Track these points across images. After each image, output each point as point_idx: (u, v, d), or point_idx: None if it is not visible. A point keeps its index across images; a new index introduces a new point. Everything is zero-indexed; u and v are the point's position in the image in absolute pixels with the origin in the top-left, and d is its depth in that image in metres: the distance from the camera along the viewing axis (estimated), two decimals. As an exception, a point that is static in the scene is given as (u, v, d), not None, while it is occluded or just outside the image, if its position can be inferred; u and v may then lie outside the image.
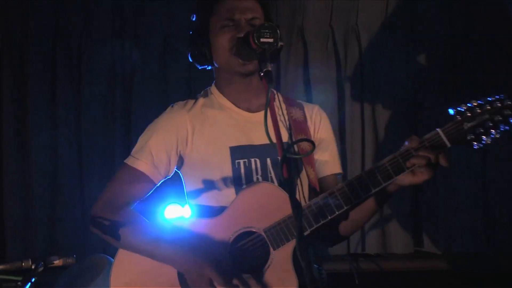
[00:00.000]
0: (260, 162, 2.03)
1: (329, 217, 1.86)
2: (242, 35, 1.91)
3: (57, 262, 2.01)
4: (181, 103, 2.13)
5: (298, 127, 2.08)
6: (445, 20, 4.12)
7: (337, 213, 1.86)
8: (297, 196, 1.99)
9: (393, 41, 4.12)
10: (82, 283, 2.69)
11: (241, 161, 2.02)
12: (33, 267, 1.91)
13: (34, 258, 1.97)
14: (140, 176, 2.03)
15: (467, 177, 4.06)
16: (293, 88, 4.06)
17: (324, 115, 2.18)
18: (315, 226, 1.86)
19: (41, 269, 1.91)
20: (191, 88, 3.87)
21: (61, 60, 4.01)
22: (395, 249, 4.06)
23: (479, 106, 1.82)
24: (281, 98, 2.11)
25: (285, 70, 4.09)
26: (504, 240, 4.00)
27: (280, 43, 1.81)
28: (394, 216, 4.06)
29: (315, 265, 2.07)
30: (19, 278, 1.80)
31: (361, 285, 3.62)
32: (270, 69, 1.73)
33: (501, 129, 1.81)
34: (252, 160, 2.03)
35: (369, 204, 1.98)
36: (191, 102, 2.13)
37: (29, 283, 1.76)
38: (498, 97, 1.82)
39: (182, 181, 2.12)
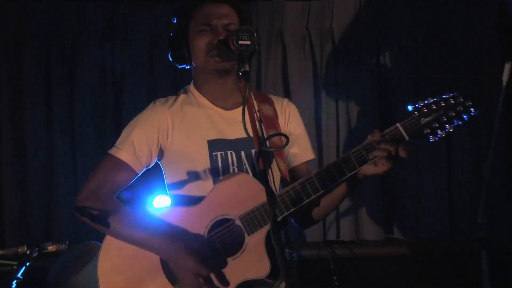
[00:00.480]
0: (235, 155, 2.03)
1: (299, 205, 1.88)
2: (221, 38, 1.94)
3: (51, 248, 2.01)
4: (162, 99, 2.13)
5: (269, 123, 2.08)
6: (412, 22, 4.16)
7: (306, 201, 1.88)
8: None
9: (364, 43, 4.15)
10: (75, 268, 2.71)
11: (218, 154, 2.03)
12: (28, 252, 1.92)
13: (29, 244, 1.98)
14: (122, 165, 2.02)
15: (433, 171, 4.12)
16: (273, 86, 4.09)
17: (293, 107, 2.18)
18: (286, 213, 1.88)
19: (35, 254, 1.91)
20: (177, 85, 3.88)
21: (55, 61, 4.00)
22: (367, 236, 4.10)
23: (434, 103, 1.84)
24: (252, 95, 2.10)
25: (265, 69, 4.11)
26: (464, 227, 4.07)
27: (256, 45, 1.82)
28: (366, 206, 4.11)
29: (286, 249, 2.08)
30: (15, 263, 1.81)
31: (336, 270, 3.65)
32: (248, 69, 1.74)
33: (455, 123, 1.83)
34: (228, 152, 2.03)
35: (338, 192, 2.00)
36: (172, 99, 2.12)
37: (24, 267, 1.77)
38: (452, 94, 1.84)
39: (162, 173, 2.12)
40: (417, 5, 4.14)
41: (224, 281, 1.88)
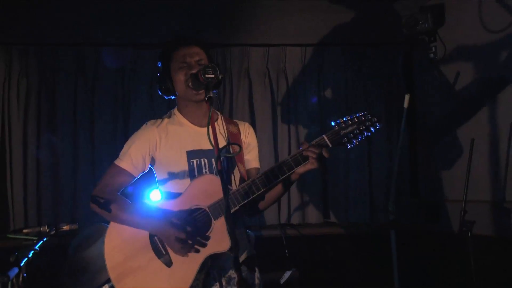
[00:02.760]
0: (207, 161, 2.02)
1: (251, 197, 1.87)
2: (194, 71, 1.93)
3: (65, 227, 2.00)
4: (152, 121, 2.11)
5: (234, 137, 2.08)
6: (343, 64, 4.18)
7: (256, 193, 1.87)
8: (232, 184, 2.02)
9: (309, 79, 4.17)
10: (88, 243, 2.68)
11: (194, 160, 2.01)
12: (47, 230, 1.91)
13: (49, 224, 1.96)
14: (123, 172, 2.02)
15: (358, 171, 4.13)
16: (242, 110, 4.07)
17: (251, 129, 2.19)
18: (242, 203, 1.88)
19: (53, 232, 1.90)
20: (170, 106, 3.82)
21: (80, 86, 3.94)
22: (311, 220, 4.09)
23: (350, 119, 1.86)
24: (222, 118, 2.13)
25: (236, 97, 4.09)
26: (380, 213, 4.10)
27: (220, 76, 1.82)
28: (310, 198, 4.10)
29: (247, 231, 2.10)
30: (35, 238, 1.79)
31: (287, 245, 3.65)
32: (212, 95, 1.76)
33: (365, 134, 1.86)
34: (202, 159, 2.02)
35: (279, 187, 1.99)
36: (159, 120, 2.11)
37: (41, 241, 1.76)
38: (363, 113, 1.87)
39: (154, 175, 2.11)
40: (347, 52, 4.18)
41: (197, 253, 1.87)
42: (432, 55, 3.62)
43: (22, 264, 1.56)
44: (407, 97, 3.20)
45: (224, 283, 1.97)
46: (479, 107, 3.40)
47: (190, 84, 1.96)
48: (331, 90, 4.18)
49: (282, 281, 3.30)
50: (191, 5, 3.70)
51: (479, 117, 3.40)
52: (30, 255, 1.62)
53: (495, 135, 3.24)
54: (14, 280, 1.51)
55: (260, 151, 2.21)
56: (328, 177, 4.14)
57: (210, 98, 1.75)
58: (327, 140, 1.85)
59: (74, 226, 2.03)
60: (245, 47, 4.09)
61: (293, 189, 4.04)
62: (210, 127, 1.71)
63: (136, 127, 2.13)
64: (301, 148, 1.87)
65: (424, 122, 4.11)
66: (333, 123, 1.87)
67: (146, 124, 2.11)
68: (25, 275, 1.57)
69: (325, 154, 1.83)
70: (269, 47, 4.10)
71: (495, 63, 3.25)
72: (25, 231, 1.98)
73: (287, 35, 4.10)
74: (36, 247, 1.69)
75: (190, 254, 1.87)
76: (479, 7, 3.32)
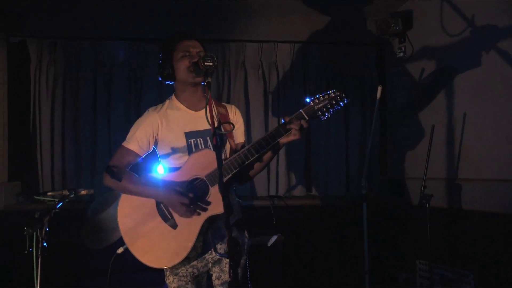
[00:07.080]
0: (203, 140, 2.01)
1: (242, 165, 1.88)
2: (195, 60, 1.92)
3: (83, 192, 2.01)
4: (153, 107, 2.09)
5: (223, 118, 2.08)
6: (324, 61, 4.18)
7: (246, 163, 1.88)
8: (223, 156, 2.02)
9: (296, 71, 4.15)
10: (103, 208, 2.71)
11: (192, 140, 2.01)
12: (68, 194, 1.92)
13: (69, 189, 1.97)
14: (130, 152, 2.02)
15: (336, 152, 4.14)
16: (238, 97, 4.06)
17: (237, 110, 2.17)
18: (234, 171, 1.88)
19: (72, 195, 1.91)
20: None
21: (99, 79, 3.94)
22: (295, 192, 4.12)
23: (322, 96, 1.87)
24: (213, 102, 2.11)
25: (233, 86, 4.08)
26: (354, 187, 4.13)
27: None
28: (294, 173, 4.12)
29: (236, 198, 2.09)
30: (57, 199, 1.81)
31: (275, 214, 3.63)
32: (210, 81, 1.75)
33: (335, 108, 1.87)
34: (198, 139, 2.01)
35: (265, 157, 1.99)
36: (160, 106, 2.09)
37: (61, 203, 1.77)
38: (333, 91, 1.89)
39: (157, 154, 2.09)
40: (329, 49, 4.16)
41: (198, 216, 1.89)
42: (402, 53, 3.62)
43: (44, 220, 1.58)
44: (379, 89, 3.21)
45: (219, 240, 2.00)
46: (439, 99, 3.43)
47: (192, 70, 1.95)
48: (314, 81, 4.17)
49: (269, 243, 3.33)
50: (196, 5, 3.69)
51: (438, 107, 3.42)
52: (51, 213, 1.63)
53: (451, 123, 3.27)
54: (38, 232, 1.54)
55: (253, 132, 2.21)
56: (311, 157, 4.15)
57: (208, 83, 1.74)
58: (304, 114, 1.85)
59: (91, 191, 2.04)
60: (242, 42, 4.07)
61: (281, 166, 4.07)
62: (207, 108, 1.70)
63: (143, 110, 2.12)
64: (283, 121, 1.87)
65: (393, 111, 4.13)
66: (308, 100, 1.88)
67: (148, 110, 2.08)
68: (47, 229, 1.59)
69: (304, 124, 1.85)
70: (263, 43, 4.08)
71: (453, 61, 3.27)
72: (49, 194, 2.00)
73: (278, 33, 4.08)
74: (57, 207, 1.71)
75: (192, 217, 1.88)
76: (440, 14, 3.33)
